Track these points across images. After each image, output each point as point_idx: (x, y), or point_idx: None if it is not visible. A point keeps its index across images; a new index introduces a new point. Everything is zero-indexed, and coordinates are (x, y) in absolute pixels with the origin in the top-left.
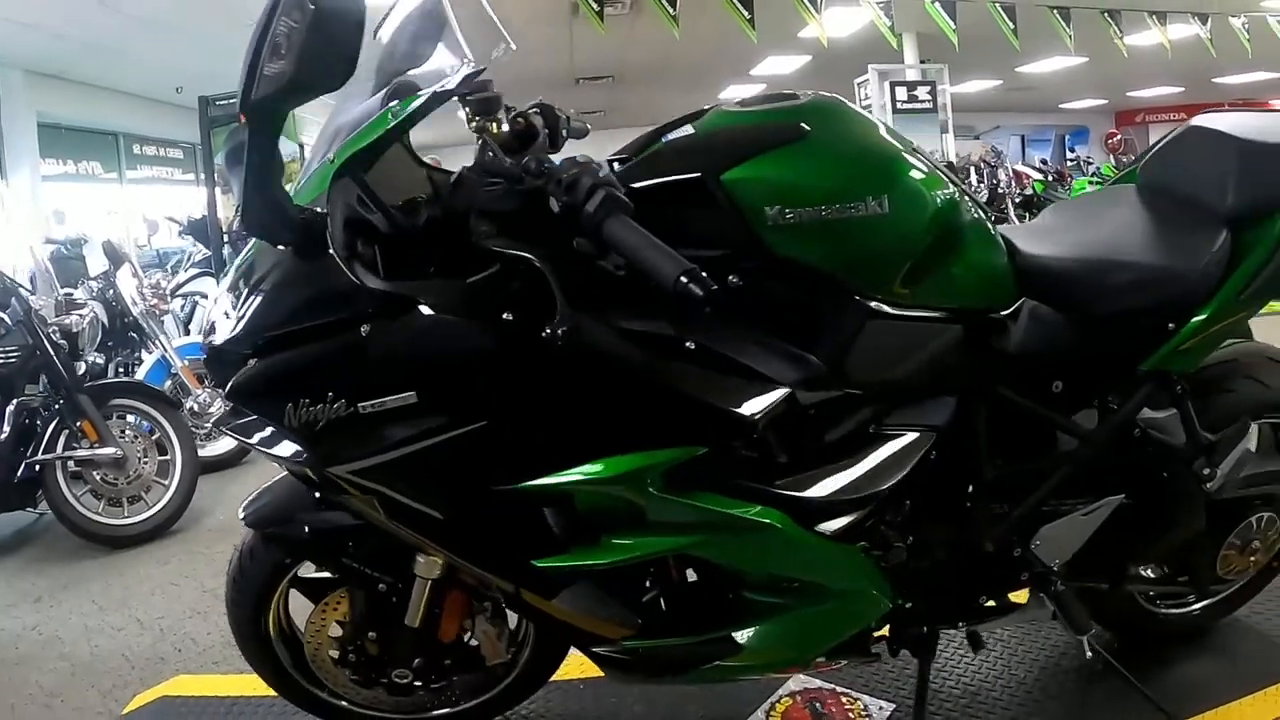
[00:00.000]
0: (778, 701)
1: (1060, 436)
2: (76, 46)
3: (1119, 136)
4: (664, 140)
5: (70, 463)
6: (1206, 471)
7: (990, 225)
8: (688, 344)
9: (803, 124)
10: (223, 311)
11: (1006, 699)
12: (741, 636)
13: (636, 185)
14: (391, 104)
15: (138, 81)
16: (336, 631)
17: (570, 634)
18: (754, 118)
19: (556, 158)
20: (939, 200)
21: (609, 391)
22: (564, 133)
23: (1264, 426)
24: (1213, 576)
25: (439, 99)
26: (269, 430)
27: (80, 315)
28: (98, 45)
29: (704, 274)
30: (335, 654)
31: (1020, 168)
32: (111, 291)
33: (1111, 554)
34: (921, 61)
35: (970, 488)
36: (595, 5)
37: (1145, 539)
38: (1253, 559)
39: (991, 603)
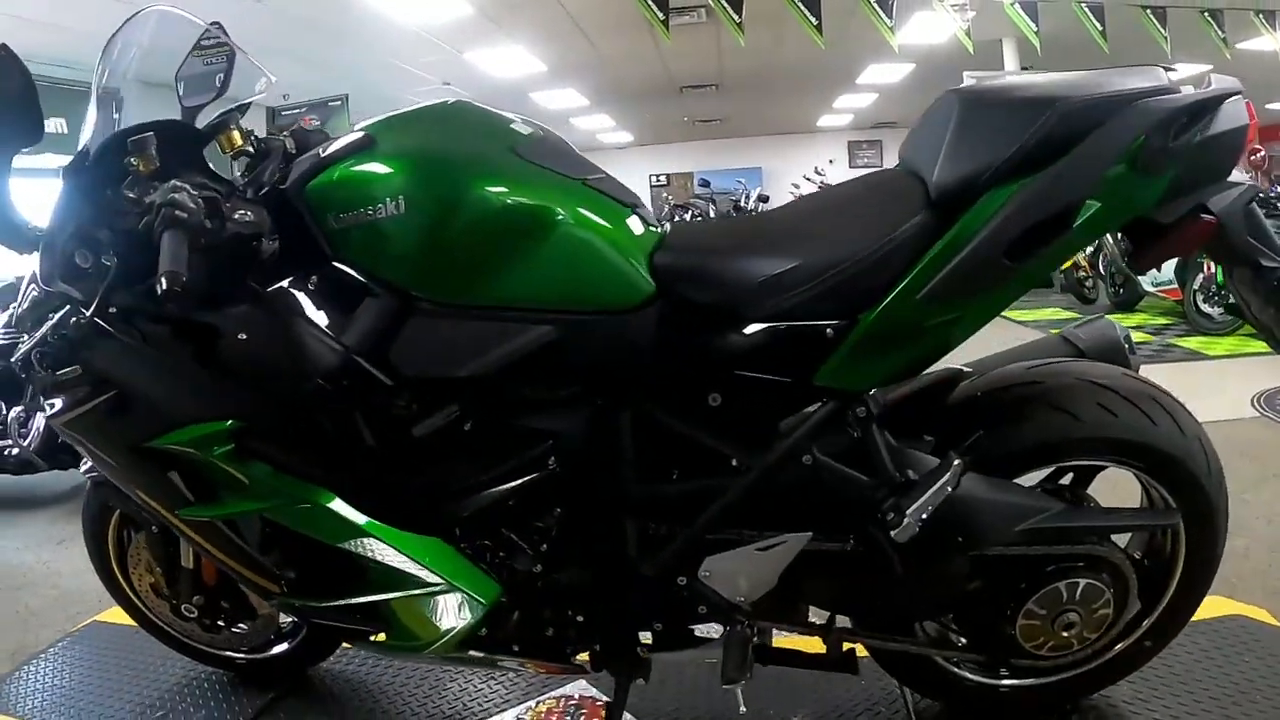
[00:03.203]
0: (544, 700)
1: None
2: None
3: (1262, 152)
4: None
5: None
6: (891, 517)
7: (616, 221)
8: (240, 336)
9: (372, 133)
10: None
11: None
12: (383, 610)
13: (275, 200)
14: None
15: None
16: (150, 566)
17: (251, 586)
18: (368, 128)
19: None
20: (502, 201)
21: (184, 371)
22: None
23: (1141, 470)
24: (1013, 648)
25: (126, 132)
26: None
27: None
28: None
29: (176, 279)
30: (150, 586)
31: None
32: None
33: (827, 599)
34: (1023, 68)
35: (618, 505)
36: (660, 14)
37: (854, 587)
38: (1070, 634)
39: (671, 633)
